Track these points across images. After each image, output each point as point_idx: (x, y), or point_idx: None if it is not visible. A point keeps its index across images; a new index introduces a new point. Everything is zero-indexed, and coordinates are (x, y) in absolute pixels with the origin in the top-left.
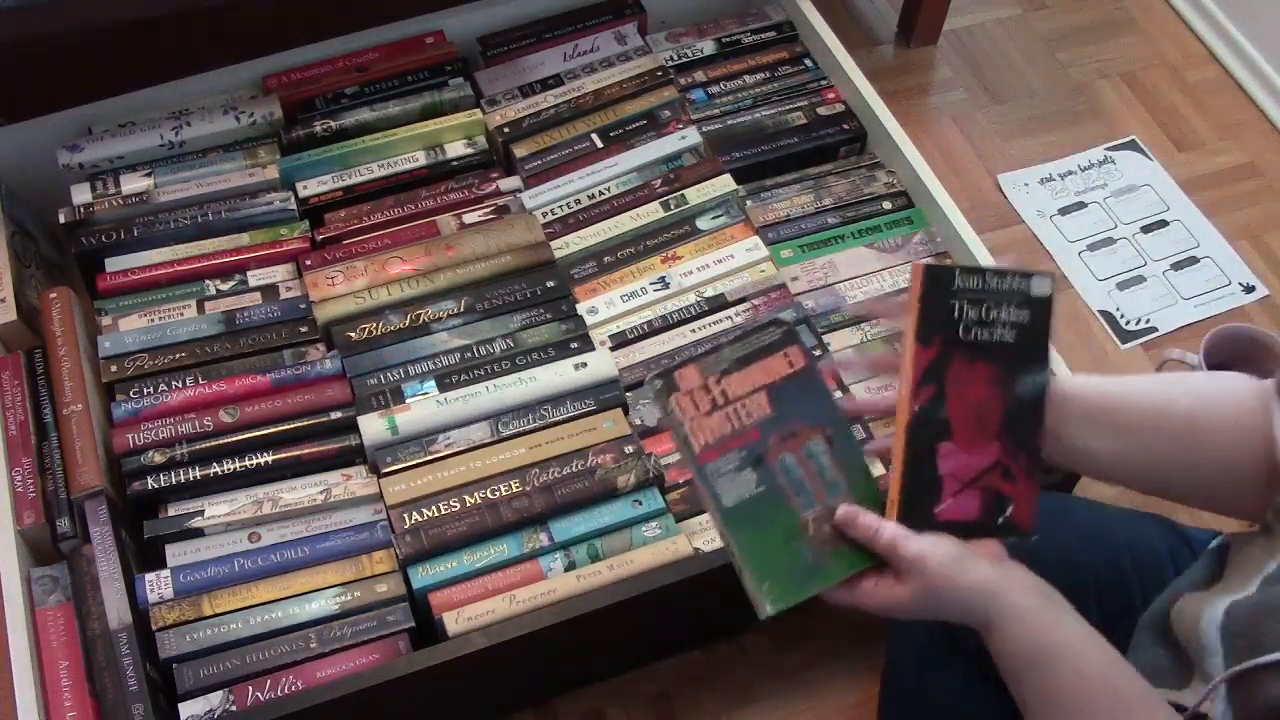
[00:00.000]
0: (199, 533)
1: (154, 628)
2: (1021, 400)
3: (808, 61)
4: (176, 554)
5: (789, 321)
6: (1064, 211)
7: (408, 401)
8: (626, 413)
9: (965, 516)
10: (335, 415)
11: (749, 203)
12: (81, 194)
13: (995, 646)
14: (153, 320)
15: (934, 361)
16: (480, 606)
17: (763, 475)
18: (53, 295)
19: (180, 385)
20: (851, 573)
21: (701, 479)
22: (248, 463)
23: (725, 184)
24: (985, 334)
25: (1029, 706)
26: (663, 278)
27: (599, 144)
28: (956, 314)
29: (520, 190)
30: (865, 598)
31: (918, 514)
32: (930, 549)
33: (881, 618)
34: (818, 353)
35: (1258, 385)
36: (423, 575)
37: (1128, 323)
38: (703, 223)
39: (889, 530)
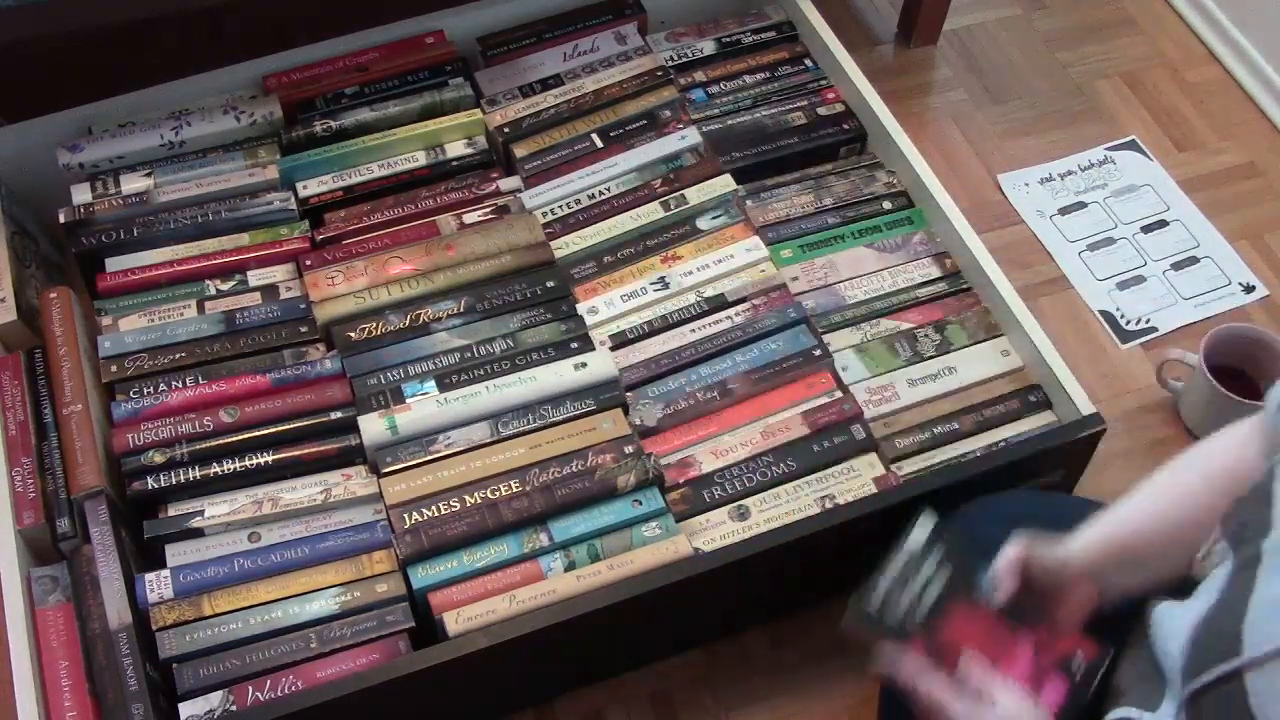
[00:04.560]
0: (199, 533)
1: (154, 628)
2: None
3: (808, 61)
4: (176, 554)
5: None
6: (1064, 211)
7: (408, 401)
8: (626, 413)
9: (1060, 700)
10: (335, 415)
11: (749, 203)
12: (81, 194)
13: None
14: (153, 320)
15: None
16: (480, 606)
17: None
18: (53, 295)
19: (180, 385)
20: None
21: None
22: (248, 463)
23: (725, 184)
24: (930, 598)
25: None
26: (663, 278)
27: (599, 144)
28: (892, 620)
29: (520, 190)
30: None
31: None
32: None
33: None
34: (817, 352)
35: (1239, 444)
36: (423, 575)
37: (1128, 323)
38: (703, 223)
39: None
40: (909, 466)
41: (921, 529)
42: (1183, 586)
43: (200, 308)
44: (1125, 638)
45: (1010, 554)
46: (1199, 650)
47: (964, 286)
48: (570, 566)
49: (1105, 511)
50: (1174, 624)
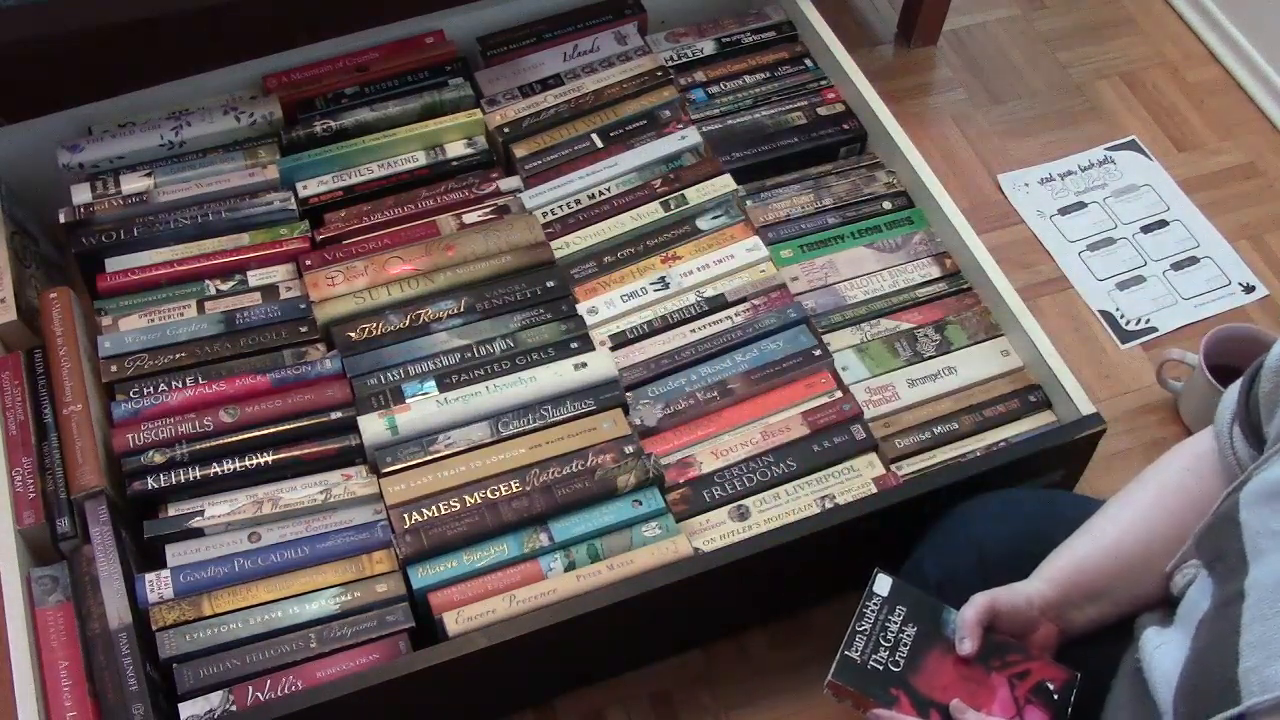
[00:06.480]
0: (199, 533)
1: (154, 628)
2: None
3: (808, 61)
4: (176, 554)
5: None
6: (1064, 211)
7: (408, 401)
8: (626, 413)
9: None
10: (335, 415)
11: (749, 203)
12: (81, 194)
13: None
14: (153, 320)
15: (912, 698)
16: (480, 606)
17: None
18: (53, 295)
19: (180, 385)
20: None
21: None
22: (248, 463)
23: (725, 184)
24: (902, 653)
25: None
26: (663, 278)
27: (599, 144)
28: (874, 665)
29: (520, 190)
30: None
31: None
32: None
33: None
34: (817, 352)
35: (1194, 464)
36: (423, 575)
37: (1128, 323)
38: (703, 223)
39: None
40: (909, 466)
41: (881, 586)
42: (1165, 601)
43: (200, 308)
44: (1114, 650)
45: (970, 615)
46: (1194, 697)
47: (964, 286)
48: (570, 566)
49: (1063, 546)
50: (1162, 661)
